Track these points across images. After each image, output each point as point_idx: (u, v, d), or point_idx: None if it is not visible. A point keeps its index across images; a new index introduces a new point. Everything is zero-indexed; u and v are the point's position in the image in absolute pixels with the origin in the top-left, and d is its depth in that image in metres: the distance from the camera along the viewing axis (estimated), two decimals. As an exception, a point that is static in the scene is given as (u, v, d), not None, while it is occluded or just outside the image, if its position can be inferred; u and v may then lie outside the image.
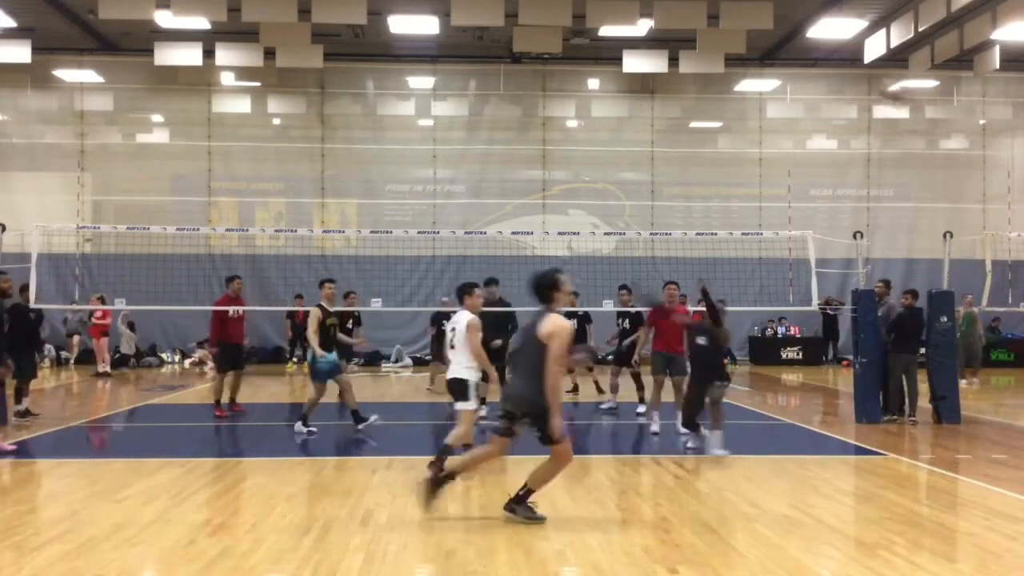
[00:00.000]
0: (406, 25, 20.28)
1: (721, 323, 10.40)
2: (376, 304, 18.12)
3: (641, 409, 13.27)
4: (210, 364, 19.06)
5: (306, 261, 23.77)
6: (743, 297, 19.37)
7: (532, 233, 24.10)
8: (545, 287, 7.10)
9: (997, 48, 20.48)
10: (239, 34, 20.26)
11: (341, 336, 12.99)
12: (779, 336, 24.78)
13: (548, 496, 7.43)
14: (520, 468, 7.68)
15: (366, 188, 25.16)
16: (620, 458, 10.31)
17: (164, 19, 18.22)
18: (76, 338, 22.85)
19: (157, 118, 25.67)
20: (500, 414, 7.18)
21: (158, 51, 20.53)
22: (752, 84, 25.37)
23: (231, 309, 13.73)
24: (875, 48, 20.60)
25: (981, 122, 26.22)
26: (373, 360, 23.60)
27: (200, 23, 18.85)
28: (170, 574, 5.92)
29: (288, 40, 19.02)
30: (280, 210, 25.10)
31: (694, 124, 26.25)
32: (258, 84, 25.12)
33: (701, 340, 10.42)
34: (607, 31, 19.98)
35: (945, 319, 13.25)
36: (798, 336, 24.80)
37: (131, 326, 22.61)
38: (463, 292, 9.09)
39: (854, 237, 16.04)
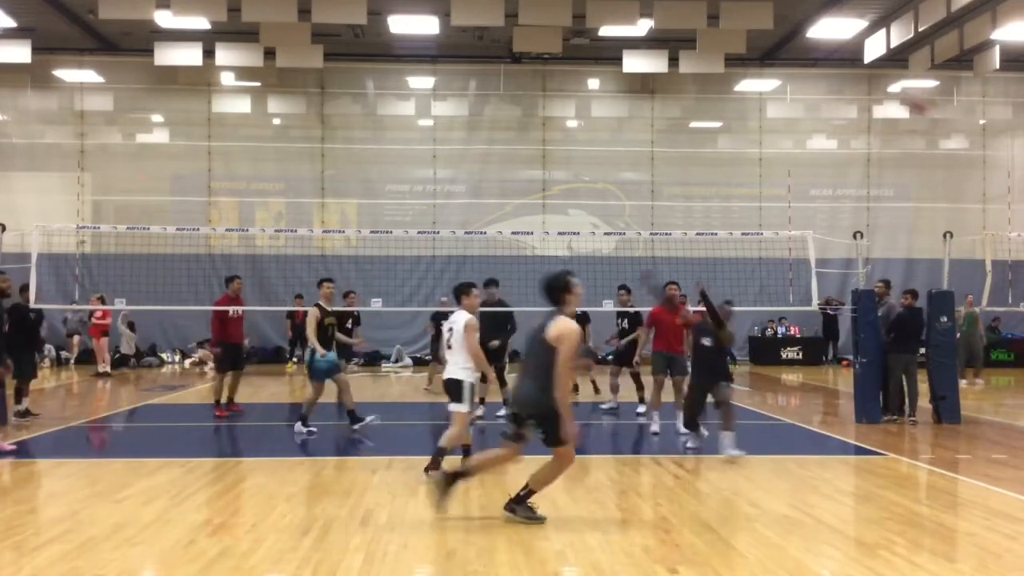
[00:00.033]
0: (406, 25, 20.28)
1: (724, 325, 10.36)
2: (376, 304, 18.13)
3: (641, 409, 13.28)
4: (210, 364, 19.07)
5: (306, 261, 23.78)
6: (743, 297, 19.36)
7: (532, 233, 24.11)
8: (556, 289, 7.10)
9: (997, 48, 20.49)
10: (239, 34, 20.27)
11: (339, 336, 13.00)
12: (779, 336, 24.79)
13: (548, 496, 7.42)
14: (521, 468, 7.68)
15: (366, 188, 25.16)
16: (620, 458, 10.31)
17: (164, 19, 18.22)
18: (76, 338, 22.86)
19: (157, 118, 25.68)
20: (508, 416, 7.17)
21: (158, 51, 20.54)
22: (752, 84, 25.38)
23: (231, 309, 13.74)
24: (875, 48, 20.61)
25: (981, 122, 26.23)
26: (373, 360, 23.61)
27: (200, 23, 18.85)
28: (170, 574, 5.92)
29: (288, 40, 19.02)
30: (280, 210, 25.10)
31: (694, 124, 26.26)
32: (258, 84, 25.12)
33: (706, 341, 10.35)
34: (607, 31, 19.98)
35: (945, 319, 13.25)
36: (798, 336, 24.81)
37: (131, 326, 22.62)
38: (460, 292, 9.09)
39: (854, 237, 16.04)
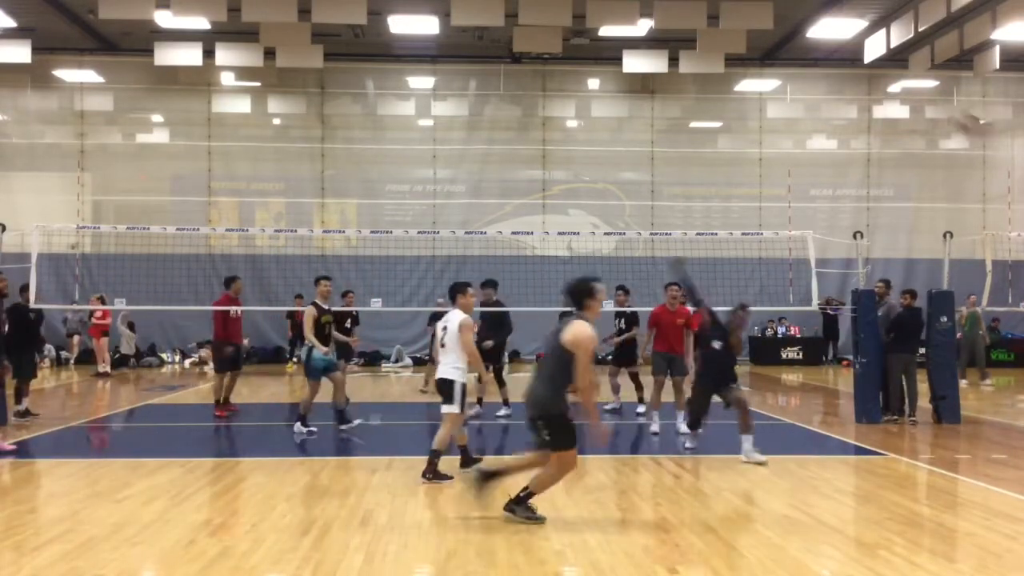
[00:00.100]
0: (406, 25, 20.28)
1: (737, 335, 10.29)
2: (376, 304, 18.12)
3: (641, 409, 13.28)
4: (210, 364, 19.06)
5: (306, 261, 23.77)
6: (743, 297, 19.23)
7: (532, 233, 24.11)
8: (579, 293, 7.14)
9: (997, 48, 20.49)
10: (239, 34, 20.27)
11: (336, 334, 13.00)
12: (779, 336, 24.79)
13: (548, 496, 7.42)
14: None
15: (366, 188, 25.17)
16: (620, 458, 10.29)
17: (164, 19, 18.22)
18: (76, 338, 22.87)
19: (157, 118, 25.69)
20: (528, 423, 7.17)
21: (158, 51, 20.54)
22: (752, 84, 25.38)
23: (232, 309, 13.75)
24: (875, 48, 20.61)
25: (981, 122, 26.23)
26: (373, 360, 23.61)
27: (200, 23, 18.85)
28: (170, 574, 5.92)
29: (288, 40, 19.02)
30: (280, 210, 25.10)
31: (694, 124, 26.26)
32: (258, 84, 25.13)
33: (716, 344, 10.27)
34: (607, 31, 19.97)
35: (945, 319, 13.25)
36: (798, 336, 24.81)
37: (131, 326, 22.62)
38: (456, 291, 9.07)
39: (854, 237, 16.03)
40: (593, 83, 25.85)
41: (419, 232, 22.41)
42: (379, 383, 19.77)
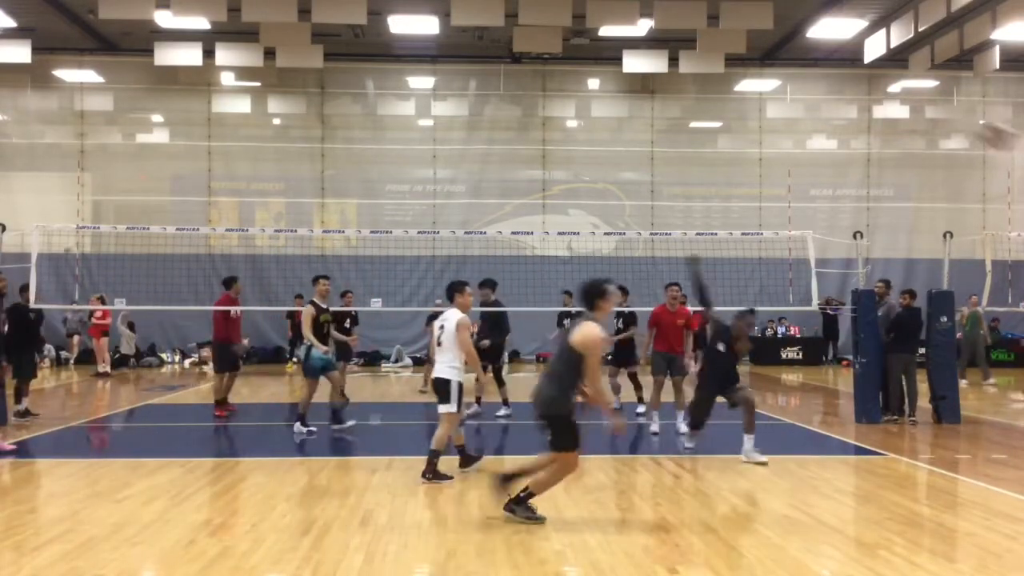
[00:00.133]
0: (406, 25, 20.28)
1: (743, 342, 10.29)
2: (376, 304, 18.12)
3: (641, 409, 13.28)
4: (209, 364, 19.07)
5: (306, 261, 23.76)
6: (743, 297, 19.29)
7: (532, 233, 24.12)
8: (591, 294, 7.21)
9: (997, 48, 20.49)
10: (239, 34, 20.27)
11: (336, 334, 13.00)
12: (779, 336, 24.79)
13: (548, 496, 7.42)
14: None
15: (366, 188, 25.17)
16: (620, 458, 10.30)
17: (164, 19, 18.22)
18: (76, 338, 22.87)
19: (157, 118, 25.69)
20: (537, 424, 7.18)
21: (158, 51, 20.54)
22: (752, 84, 25.38)
23: (232, 309, 13.76)
24: (875, 48, 20.61)
25: (981, 122, 26.19)
26: (373, 360, 23.62)
27: (200, 23, 18.85)
28: (170, 574, 5.91)
29: (288, 40, 19.02)
30: (280, 210, 25.11)
31: (694, 124, 26.26)
32: (258, 84, 25.13)
33: (721, 347, 10.22)
34: (607, 31, 19.97)
35: (945, 319, 13.25)
36: (798, 336, 24.81)
37: (131, 326, 22.62)
38: (454, 290, 9.06)
39: (854, 237, 16.03)
40: (593, 83, 25.85)
41: (419, 232, 22.42)
42: (379, 383, 19.77)
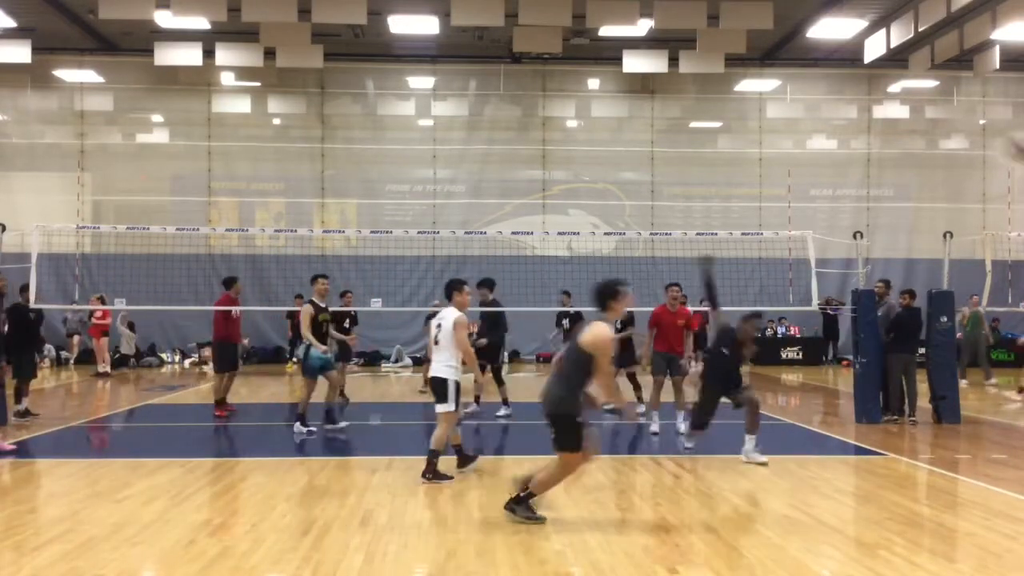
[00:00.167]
0: (406, 25, 20.28)
1: (748, 346, 10.27)
2: (376, 304, 18.12)
3: (640, 409, 13.27)
4: (209, 364, 19.08)
5: (306, 261, 23.76)
6: (743, 297, 19.35)
7: (532, 233, 24.12)
8: (604, 295, 7.24)
9: (997, 48, 20.50)
10: (239, 34, 20.27)
11: (335, 333, 13.01)
12: (779, 336, 24.79)
13: (548, 496, 7.42)
14: (521, 469, 7.68)
15: (366, 188, 25.17)
16: (620, 458, 10.29)
17: (164, 19, 18.22)
18: (76, 338, 22.88)
19: (157, 118, 25.69)
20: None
21: (158, 51, 20.54)
22: (752, 84, 25.38)
23: (233, 309, 13.77)
24: (875, 48, 20.61)
25: (981, 122, 26.23)
26: (373, 360, 23.62)
27: (200, 23, 18.85)
28: (170, 574, 5.91)
29: (288, 40, 19.02)
30: (280, 210, 25.11)
31: (694, 124, 26.26)
32: (258, 84, 25.13)
33: (725, 349, 10.15)
34: (607, 31, 19.97)
35: (945, 319, 13.25)
36: (798, 336, 24.81)
37: (131, 326, 22.62)
38: (452, 288, 9.04)
39: (854, 237, 16.03)
40: (593, 83, 25.85)
41: (419, 232, 22.42)
42: (379, 383, 19.77)
